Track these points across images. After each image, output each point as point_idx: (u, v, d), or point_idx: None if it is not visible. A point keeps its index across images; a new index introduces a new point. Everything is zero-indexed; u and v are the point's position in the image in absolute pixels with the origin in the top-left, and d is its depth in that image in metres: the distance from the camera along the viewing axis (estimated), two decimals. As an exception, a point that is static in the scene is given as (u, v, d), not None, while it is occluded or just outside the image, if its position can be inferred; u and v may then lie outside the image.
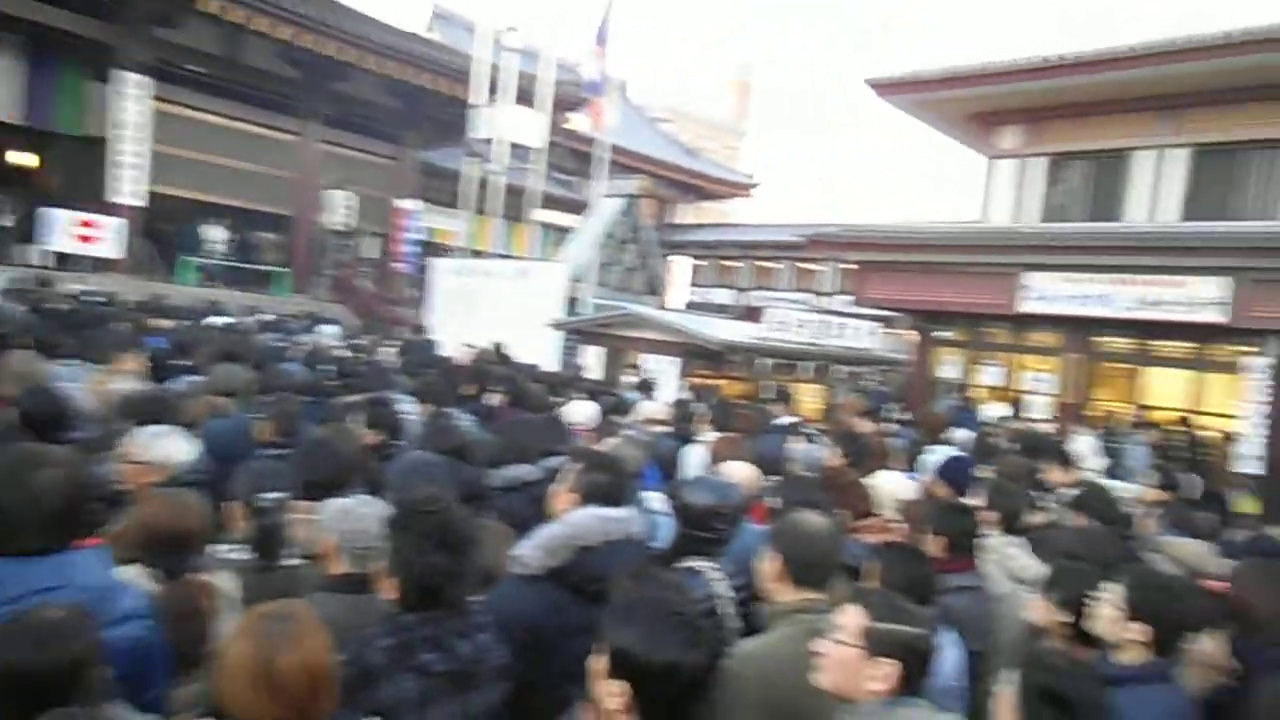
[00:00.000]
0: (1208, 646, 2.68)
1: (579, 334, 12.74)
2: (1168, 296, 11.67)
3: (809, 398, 11.94)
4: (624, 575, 1.98)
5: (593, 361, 12.18)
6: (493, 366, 7.71)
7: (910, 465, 5.35)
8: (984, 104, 14.89)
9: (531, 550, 2.46)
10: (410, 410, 5.00)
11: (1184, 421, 11.29)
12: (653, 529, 3.25)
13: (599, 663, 1.60)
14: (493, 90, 17.26)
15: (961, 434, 7.79)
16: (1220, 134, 13.08)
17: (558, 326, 13.05)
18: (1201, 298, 11.40)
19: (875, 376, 13.62)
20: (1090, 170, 14.60)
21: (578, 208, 22.16)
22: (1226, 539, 4.28)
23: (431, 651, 1.92)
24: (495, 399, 6.26)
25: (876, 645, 1.72)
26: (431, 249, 21.24)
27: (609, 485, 2.69)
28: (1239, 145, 13.01)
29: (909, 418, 8.90)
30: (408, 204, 20.76)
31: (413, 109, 19.71)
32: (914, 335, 15.40)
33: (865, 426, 7.03)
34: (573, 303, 14.00)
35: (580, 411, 5.57)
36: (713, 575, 2.62)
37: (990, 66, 14.01)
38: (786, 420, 7.19)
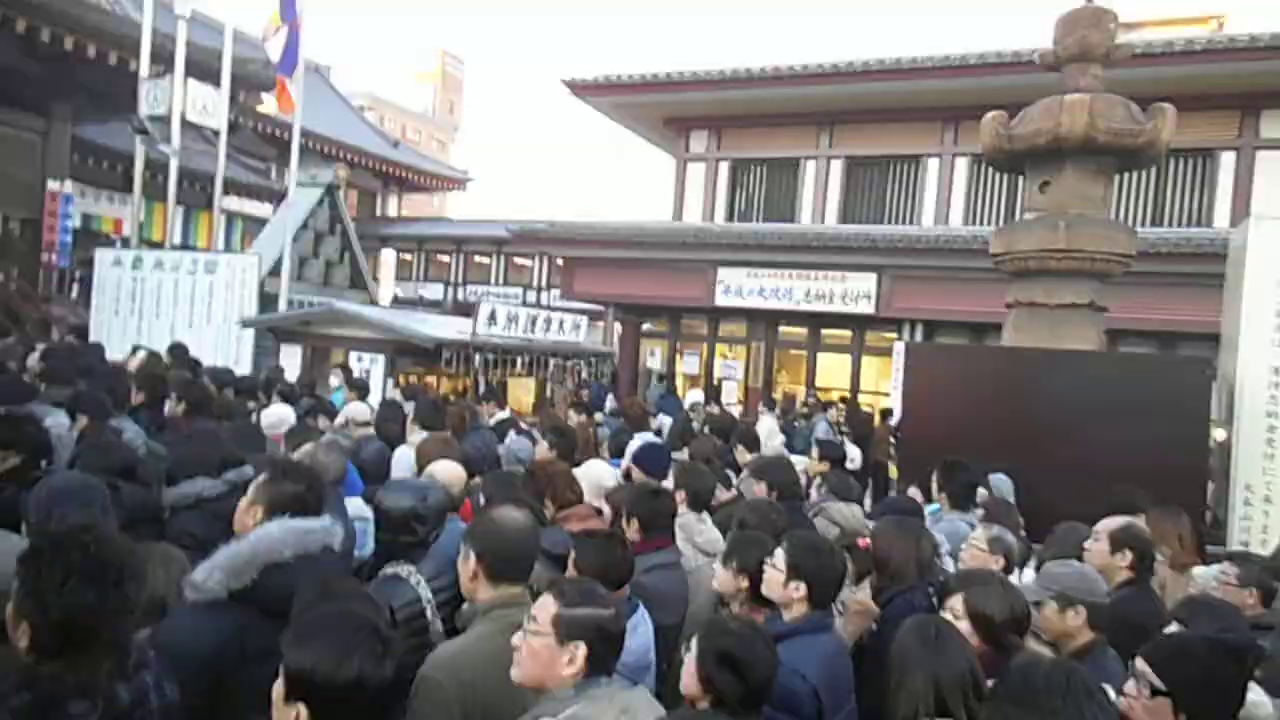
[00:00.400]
0: (858, 596, 3.11)
1: (275, 333, 11.82)
2: (831, 290, 13.32)
3: (522, 392, 12.07)
4: (307, 591, 1.88)
5: (293, 363, 11.34)
6: (170, 371, 6.91)
7: (617, 453, 5.61)
8: (674, 110, 15.94)
9: (208, 573, 2.25)
10: (62, 425, 4.34)
11: (845, 400, 12.92)
12: (357, 537, 3.12)
13: (280, 687, 1.50)
14: (164, 62, 15.35)
15: (666, 420, 8.31)
16: (870, 148, 15.15)
17: (249, 324, 12.01)
18: (856, 292, 13.16)
19: (588, 369, 14.07)
20: (767, 176, 16.21)
21: (274, 196, 20.48)
22: (889, 502, 4.89)
23: (81, 700, 1.69)
24: (175, 407, 5.63)
25: (567, 631, 1.79)
26: (95, 239, 18.53)
27: (301, 495, 2.54)
28: (886, 158, 15.14)
29: (616, 408, 9.32)
30: (60, 186, 17.90)
31: (62, 76, 16.99)
32: (621, 328, 16.11)
33: (575, 418, 7.26)
34: (267, 299, 12.93)
35: (272, 417, 5.19)
36: (415, 579, 2.57)
37: (677, 75, 15.03)
38: (499, 416, 7.22)
